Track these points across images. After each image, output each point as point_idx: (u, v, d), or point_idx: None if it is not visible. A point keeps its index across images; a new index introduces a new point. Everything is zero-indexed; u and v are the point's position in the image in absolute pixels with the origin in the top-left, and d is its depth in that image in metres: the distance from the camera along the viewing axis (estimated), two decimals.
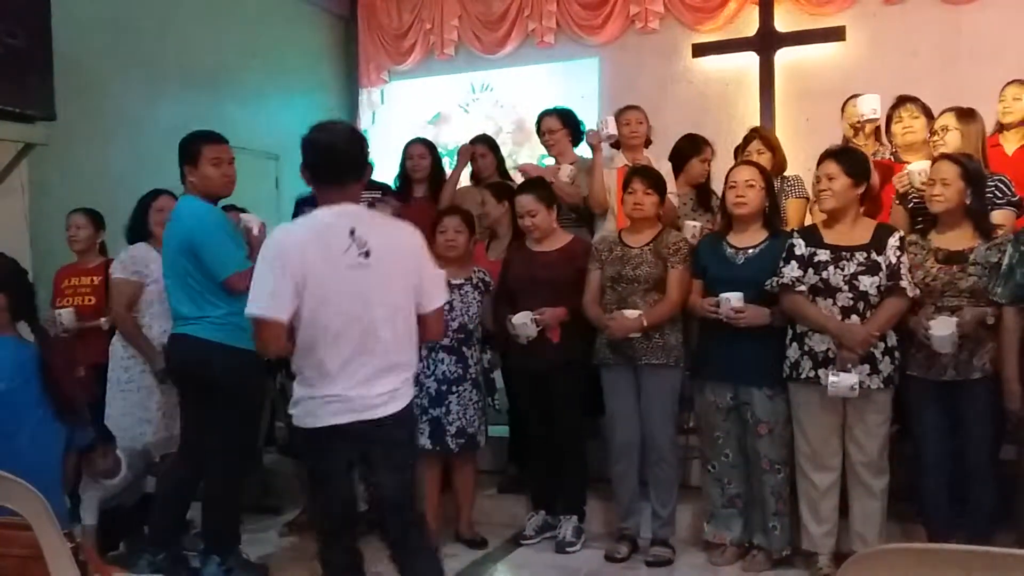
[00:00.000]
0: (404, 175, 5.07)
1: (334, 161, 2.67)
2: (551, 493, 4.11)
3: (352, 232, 2.58)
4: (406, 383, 2.70)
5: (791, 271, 3.41)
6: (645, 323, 3.62)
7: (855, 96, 4.55)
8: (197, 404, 3.53)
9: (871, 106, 4.03)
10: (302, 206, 4.32)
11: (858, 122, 4.26)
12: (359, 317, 2.58)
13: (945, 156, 3.41)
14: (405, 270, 2.68)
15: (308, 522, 4.27)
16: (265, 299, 2.53)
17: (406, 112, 7.77)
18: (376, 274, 2.59)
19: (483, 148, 5.00)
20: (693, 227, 4.11)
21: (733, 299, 3.44)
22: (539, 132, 4.81)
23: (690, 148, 4.61)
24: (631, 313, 3.63)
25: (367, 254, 2.58)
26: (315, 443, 2.65)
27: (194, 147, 3.54)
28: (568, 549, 3.92)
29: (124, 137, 5.75)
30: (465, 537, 4.07)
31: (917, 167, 3.67)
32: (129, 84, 5.77)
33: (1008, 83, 4.32)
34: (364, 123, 7.81)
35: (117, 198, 4.90)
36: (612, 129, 4.38)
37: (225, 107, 6.58)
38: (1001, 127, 4.28)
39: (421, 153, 5.01)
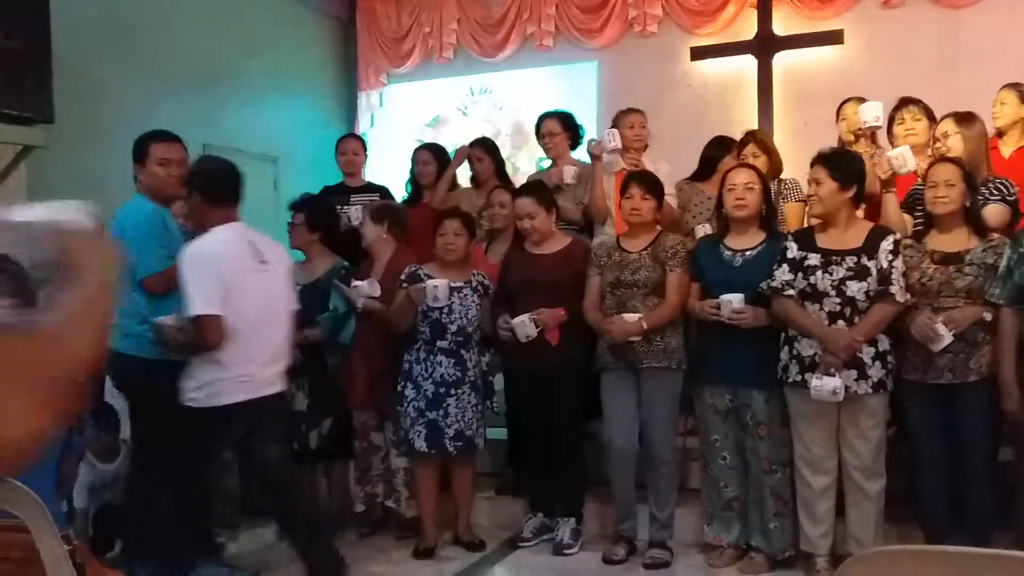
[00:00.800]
0: (413, 180, 5.11)
1: (232, 184, 3.37)
2: (549, 495, 4.11)
3: (252, 244, 3.29)
4: (284, 368, 3.38)
5: (782, 275, 3.42)
6: (645, 326, 3.62)
7: (851, 100, 4.55)
8: (134, 415, 3.61)
9: (874, 114, 4.00)
10: (294, 205, 4.33)
11: (860, 129, 4.26)
12: (266, 310, 3.26)
13: (945, 158, 3.41)
14: (285, 276, 3.44)
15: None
16: (205, 299, 3.10)
17: (405, 115, 7.77)
18: (272, 276, 3.33)
19: (479, 151, 5.00)
20: (703, 228, 4.13)
21: (735, 300, 3.44)
22: (538, 134, 4.82)
23: (721, 150, 4.59)
24: (631, 317, 3.63)
25: (264, 261, 3.29)
26: (218, 420, 3.19)
27: (143, 146, 3.65)
28: (566, 551, 3.92)
29: (124, 139, 5.70)
30: (463, 539, 4.07)
31: (895, 153, 3.68)
32: (129, 86, 5.77)
33: (1001, 87, 4.31)
34: (363, 126, 7.80)
35: (117, 201, 4.89)
36: (618, 142, 4.39)
37: (224, 110, 6.58)
38: (998, 131, 4.28)
39: (425, 159, 5.06)
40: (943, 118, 3.88)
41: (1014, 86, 4.20)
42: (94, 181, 5.39)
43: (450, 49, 7.49)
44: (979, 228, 3.36)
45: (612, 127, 4.60)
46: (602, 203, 4.41)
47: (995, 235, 3.40)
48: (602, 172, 4.41)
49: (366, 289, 3.99)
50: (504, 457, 4.56)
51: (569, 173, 4.46)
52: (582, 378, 3.89)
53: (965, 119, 3.79)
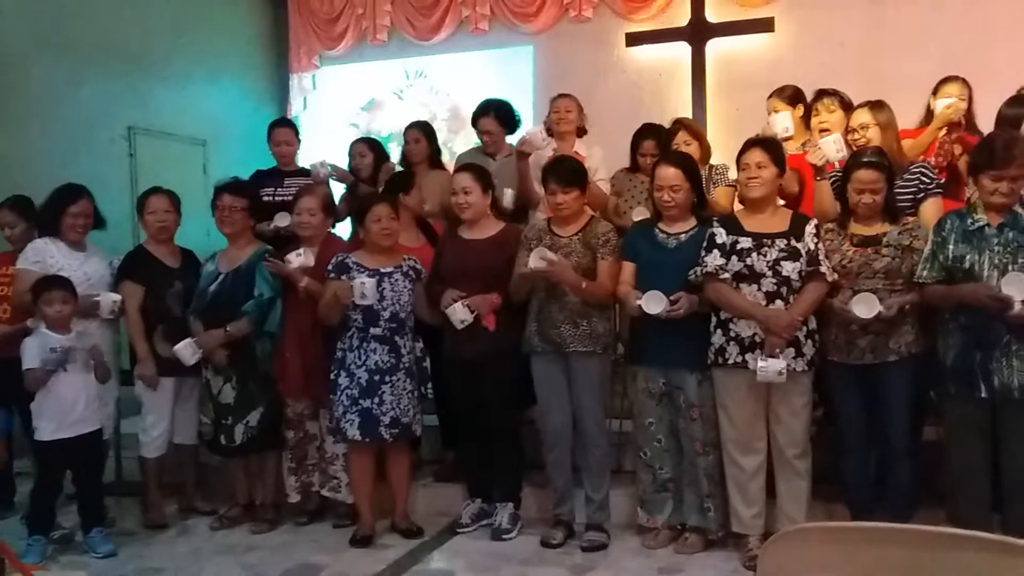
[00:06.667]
0: (352, 172, 5.05)
1: None
2: (487, 481, 4.11)
3: None
4: None
5: (714, 260, 3.47)
6: (584, 285, 3.62)
7: (780, 88, 4.57)
8: None
9: (783, 125, 4.01)
10: (233, 189, 4.22)
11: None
12: None
13: (869, 164, 3.41)
14: None
15: (239, 515, 4.23)
16: None
17: (339, 98, 7.66)
18: None
19: (416, 132, 4.95)
20: (641, 212, 4.19)
21: (652, 308, 3.45)
22: (474, 125, 4.82)
23: (643, 137, 4.60)
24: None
25: None
26: None
27: None
28: (504, 536, 3.93)
29: (43, 121, 5.56)
30: (401, 527, 4.04)
31: (831, 140, 3.72)
32: (49, 67, 5.57)
33: (948, 81, 4.30)
34: (295, 109, 7.68)
35: (35, 183, 4.73)
36: (550, 141, 4.35)
37: (150, 91, 6.40)
38: (929, 119, 4.30)
39: (361, 152, 5.01)
40: (857, 108, 3.93)
41: (962, 80, 4.26)
42: (12, 163, 5.21)
43: (384, 31, 7.40)
44: (893, 212, 3.47)
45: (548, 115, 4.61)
46: (533, 193, 4.41)
47: (909, 218, 3.53)
48: (529, 168, 4.41)
49: (298, 260, 3.90)
50: (440, 443, 4.55)
51: (508, 198, 4.37)
52: (516, 363, 3.89)
53: (878, 107, 3.86)
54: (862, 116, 3.85)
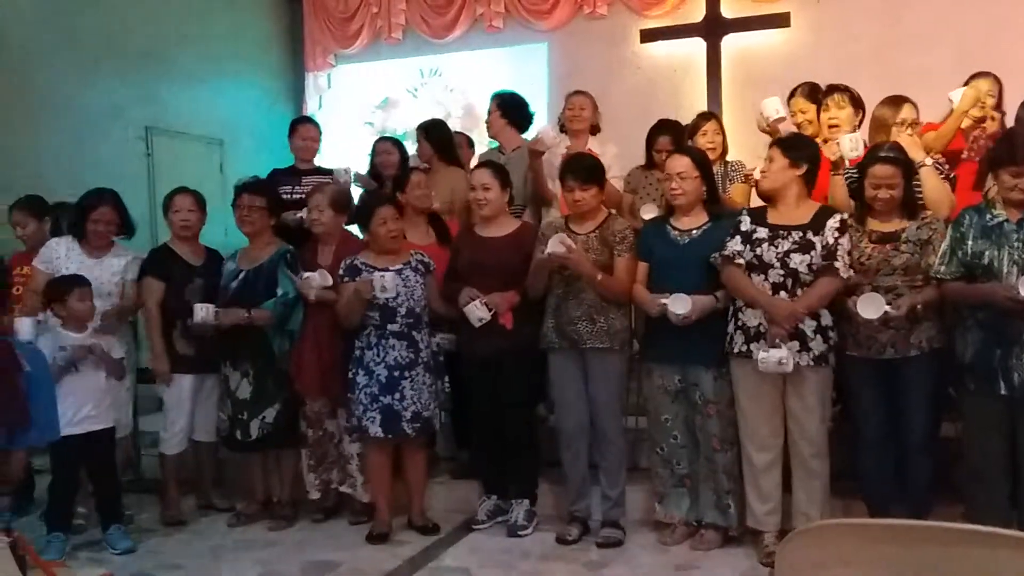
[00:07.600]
0: (374, 170, 5.05)
1: None
2: (503, 478, 4.12)
3: None
4: None
5: (734, 245, 3.48)
6: (599, 278, 3.63)
7: (800, 86, 4.55)
8: None
9: (774, 107, 4.06)
10: (252, 188, 4.24)
11: (768, 126, 4.28)
12: None
13: (886, 159, 3.40)
14: None
15: (257, 512, 4.26)
16: None
17: (354, 97, 7.68)
18: None
19: (419, 135, 4.96)
20: (650, 209, 4.19)
21: (679, 307, 3.45)
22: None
23: (659, 133, 4.58)
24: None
25: None
26: None
27: None
28: (520, 533, 3.94)
29: (60, 121, 5.60)
30: (417, 524, 4.06)
31: (848, 138, 3.73)
32: (62, 66, 5.61)
33: (979, 76, 4.30)
34: (311, 107, 7.71)
35: (50, 181, 4.79)
36: (563, 139, 4.38)
37: (166, 90, 6.44)
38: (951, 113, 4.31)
39: (387, 150, 5.00)
40: (904, 104, 3.91)
41: (993, 76, 4.27)
42: (26, 162, 5.25)
43: (399, 30, 7.42)
44: (911, 208, 3.46)
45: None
46: (547, 191, 4.42)
47: (927, 212, 3.50)
48: (542, 167, 4.41)
49: (318, 280, 3.94)
50: (456, 440, 4.56)
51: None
52: (533, 361, 3.89)
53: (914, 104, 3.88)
54: (910, 113, 3.88)
